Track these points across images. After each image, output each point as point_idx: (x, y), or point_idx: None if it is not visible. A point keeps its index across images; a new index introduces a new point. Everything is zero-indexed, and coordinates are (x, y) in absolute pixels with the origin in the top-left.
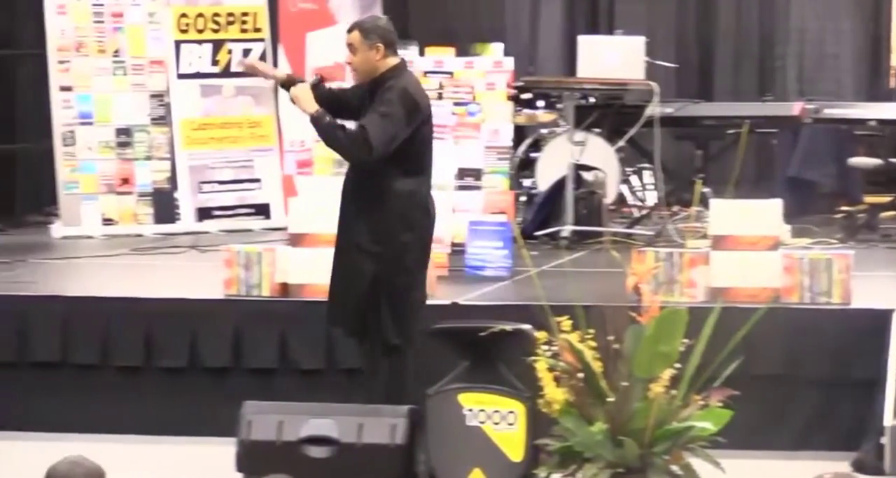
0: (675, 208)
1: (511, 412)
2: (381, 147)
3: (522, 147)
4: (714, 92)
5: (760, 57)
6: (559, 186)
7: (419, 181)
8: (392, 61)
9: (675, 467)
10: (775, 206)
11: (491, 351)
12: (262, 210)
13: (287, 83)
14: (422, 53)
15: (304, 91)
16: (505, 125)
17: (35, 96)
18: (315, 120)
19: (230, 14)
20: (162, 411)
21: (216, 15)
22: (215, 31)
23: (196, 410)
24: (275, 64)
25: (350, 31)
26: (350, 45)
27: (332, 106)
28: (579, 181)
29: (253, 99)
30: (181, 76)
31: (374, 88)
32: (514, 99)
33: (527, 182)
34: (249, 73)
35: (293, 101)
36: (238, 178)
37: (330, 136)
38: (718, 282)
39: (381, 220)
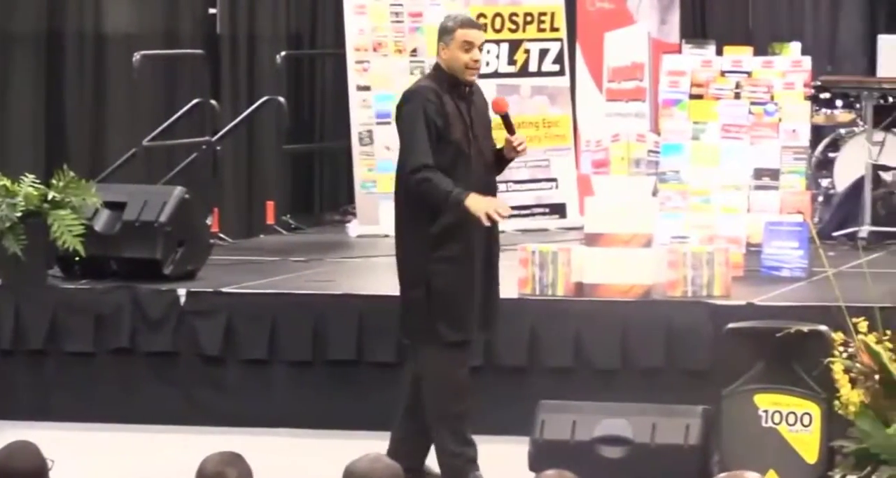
0: None
1: (806, 414)
2: None
3: (820, 147)
4: None
5: None
6: (857, 186)
7: None
8: None
9: None
10: None
11: (787, 352)
12: (558, 210)
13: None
14: (720, 53)
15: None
16: (802, 125)
17: (335, 96)
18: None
19: (528, 14)
20: None
21: (514, 15)
22: (513, 30)
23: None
24: (572, 65)
25: (481, 28)
26: (481, 46)
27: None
28: (878, 181)
29: (549, 99)
30: (479, 76)
31: (469, 92)
32: (813, 98)
33: (824, 182)
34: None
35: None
36: (534, 177)
37: None
38: None
39: None
